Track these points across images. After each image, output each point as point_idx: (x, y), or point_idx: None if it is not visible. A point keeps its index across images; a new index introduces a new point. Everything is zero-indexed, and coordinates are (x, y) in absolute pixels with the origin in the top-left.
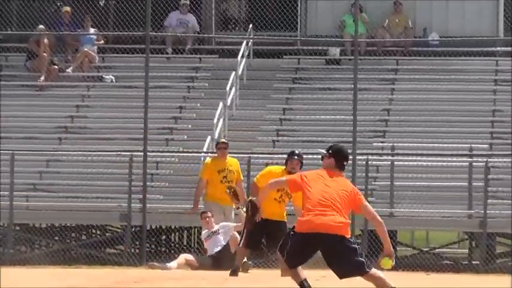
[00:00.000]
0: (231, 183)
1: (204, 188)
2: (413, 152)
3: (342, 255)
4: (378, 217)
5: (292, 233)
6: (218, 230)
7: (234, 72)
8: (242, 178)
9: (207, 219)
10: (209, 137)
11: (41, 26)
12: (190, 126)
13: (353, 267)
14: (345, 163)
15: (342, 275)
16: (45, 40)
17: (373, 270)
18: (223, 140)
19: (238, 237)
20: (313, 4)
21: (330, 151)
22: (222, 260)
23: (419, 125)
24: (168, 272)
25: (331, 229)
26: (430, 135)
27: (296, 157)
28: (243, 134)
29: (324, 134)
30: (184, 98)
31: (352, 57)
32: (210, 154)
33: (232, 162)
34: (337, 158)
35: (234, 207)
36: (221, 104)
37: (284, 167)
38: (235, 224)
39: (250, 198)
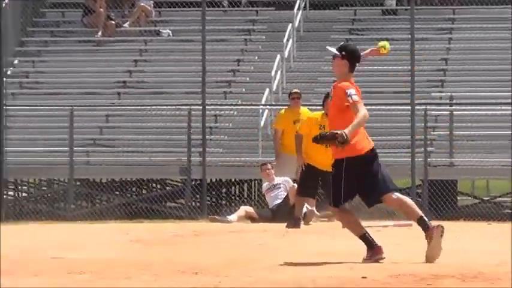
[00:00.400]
0: None
1: (280, 138)
2: (472, 101)
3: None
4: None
5: (345, 162)
6: (280, 183)
7: (290, 25)
8: None
9: (267, 171)
10: (267, 90)
11: None
12: (248, 79)
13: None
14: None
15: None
16: None
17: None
18: (296, 90)
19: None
20: None
21: (344, 52)
22: (283, 213)
23: (478, 74)
24: (228, 224)
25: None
26: (488, 84)
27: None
28: (301, 86)
29: (381, 85)
30: (241, 51)
31: (409, 7)
32: (268, 107)
33: (304, 112)
34: (352, 60)
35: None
36: (278, 57)
37: (322, 112)
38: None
39: (340, 131)
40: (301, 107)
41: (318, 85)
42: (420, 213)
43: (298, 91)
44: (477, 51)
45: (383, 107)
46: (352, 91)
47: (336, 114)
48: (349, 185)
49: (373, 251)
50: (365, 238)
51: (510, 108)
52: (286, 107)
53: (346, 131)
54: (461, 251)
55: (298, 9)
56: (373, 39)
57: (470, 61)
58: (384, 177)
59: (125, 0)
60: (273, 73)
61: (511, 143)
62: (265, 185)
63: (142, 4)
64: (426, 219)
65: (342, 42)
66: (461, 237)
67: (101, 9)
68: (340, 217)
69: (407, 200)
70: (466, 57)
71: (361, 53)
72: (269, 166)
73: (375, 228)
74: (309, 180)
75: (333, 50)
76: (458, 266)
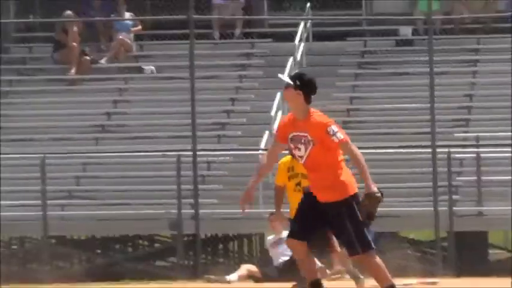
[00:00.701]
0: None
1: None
2: (501, 143)
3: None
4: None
5: (355, 202)
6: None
7: (291, 58)
8: None
9: (276, 223)
10: (267, 132)
11: (69, 12)
12: (244, 120)
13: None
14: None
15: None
16: (74, 28)
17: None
18: None
19: None
20: None
21: (298, 82)
22: (290, 271)
23: (506, 112)
24: (227, 285)
25: None
26: None
27: None
28: None
29: (397, 125)
30: (236, 89)
31: (427, 36)
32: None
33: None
34: (307, 91)
35: None
36: (279, 95)
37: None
38: None
39: (369, 191)
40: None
41: None
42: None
43: None
44: (505, 85)
45: (401, 150)
46: (334, 128)
47: (319, 156)
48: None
49: None
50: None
51: None
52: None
53: (371, 184)
54: None
55: (300, 40)
56: (386, 73)
57: (497, 97)
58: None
59: (101, 33)
60: (272, 113)
61: None
62: (270, 238)
63: (121, 37)
64: None
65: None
66: None
67: (74, 44)
68: (373, 260)
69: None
70: (492, 93)
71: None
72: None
73: (398, 286)
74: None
75: (286, 78)
76: None
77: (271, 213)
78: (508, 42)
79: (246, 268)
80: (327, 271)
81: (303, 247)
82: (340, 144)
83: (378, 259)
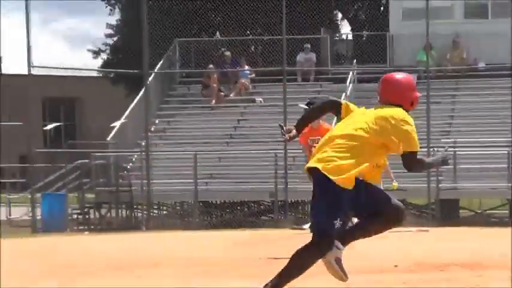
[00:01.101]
0: None
1: None
2: (473, 145)
3: None
4: None
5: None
6: None
7: (344, 94)
8: None
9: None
10: None
11: (211, 66)
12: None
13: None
14: None
15: None
16: (214, 75)
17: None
18: None
19: None
20: (398, 43)
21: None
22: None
23: (476, 125)
24: (304, 231)
25: None
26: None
27: None
28: None
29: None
30: None
31: (425, 81)
32: None
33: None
34: None
35: None
36: (335, 119)
37: None
38: None
39: None
40: None
41: None
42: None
43: None
44: (477, 108)
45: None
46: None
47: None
48: None
49: None
50: None
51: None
52: None
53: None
54: (464, 247)
55: (350, 83)
56: None
57: (473, 113)
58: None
59: (231, 78)
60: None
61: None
62: None
63: (242, 81)
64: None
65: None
66: (463, 238)
67: (214, 85)
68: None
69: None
70: (468, 114)
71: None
72: None
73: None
74: None
75: (303, 105)
76: (465, 257)
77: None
78: (478, 83)
79: None
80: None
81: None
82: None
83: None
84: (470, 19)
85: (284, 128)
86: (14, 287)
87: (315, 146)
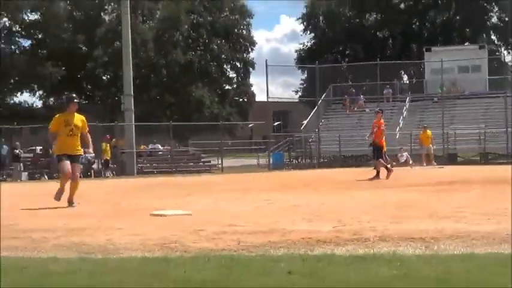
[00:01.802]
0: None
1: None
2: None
3: None
4: None
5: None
6: None
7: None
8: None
9: None
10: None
11: (346, 96)
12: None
13: None
14: None
15: None
16: (347, 100)
17: None
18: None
19: None
20: (429, 84)
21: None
22: None
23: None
24: None
25: None
26: None
27: None
28: None
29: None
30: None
31: (441, 100)
32: None
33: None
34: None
35: None
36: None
37: None
38: None
39: None
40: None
41: None
42: None
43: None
44: (469, 122)
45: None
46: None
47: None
48: None
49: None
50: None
51: None
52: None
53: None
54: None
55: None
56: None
57: (465, 121)
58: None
59: (354, 100)
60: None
61: None
62: None
63: (360, 102)
64: None
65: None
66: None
67: (347, 103)
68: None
69: None
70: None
71: None
72: None
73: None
74: None
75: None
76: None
77: None
78: (464, 101)
79: None
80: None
81: None
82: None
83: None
84: (461, 73)
85: None
86: None
87: None
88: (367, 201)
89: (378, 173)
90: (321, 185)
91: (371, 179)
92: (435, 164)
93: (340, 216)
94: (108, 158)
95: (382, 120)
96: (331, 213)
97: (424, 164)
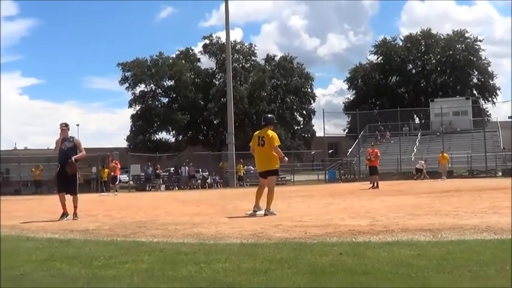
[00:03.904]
0: None
1: None
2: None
3: None
4: None
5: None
6: None
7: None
8: None
9: None
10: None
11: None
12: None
13: None
14: None
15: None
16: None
17: None
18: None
19: None
20: (433, 124)
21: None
22: None
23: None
24: None
25: None
26: None
27: None
28: None
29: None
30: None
31: (442, 133)
32: None
33: None
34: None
35: None
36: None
37: None
38: None
39: None
40: None
41: None
42: None
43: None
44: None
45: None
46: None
47: None
48: None
49: None
50: None
51: None
52: None
53: None
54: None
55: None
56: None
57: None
58: None
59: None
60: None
61: None
62: None
63: (387, 136)
64: None
65: None
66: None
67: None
68: None
69: None
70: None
71: None
72: None
73: None
74: None
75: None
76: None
77: None
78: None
79: None
80: None
81: None
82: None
83: None
84: (454, 116)
85: None
86: None
87: None
88: (392, 203)
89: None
90: (360, 193)
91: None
92: (445, 178)
93: (374, 214)
94: (241, 175)
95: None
96: (368, 212)
97: (444, 177)
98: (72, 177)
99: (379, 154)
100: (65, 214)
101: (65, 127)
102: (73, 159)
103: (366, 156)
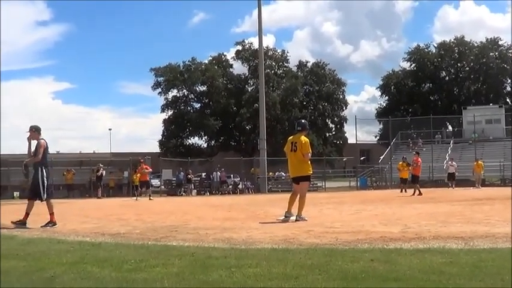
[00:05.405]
0: None
1: None
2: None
3: None
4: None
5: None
6: None
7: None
8: None
9: None
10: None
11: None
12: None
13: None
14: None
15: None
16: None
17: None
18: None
19: None
20: (466, 132)
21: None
22: None
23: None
24: None
25: None
26: None
27: None
28: None
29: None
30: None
31: (474, 142)
32: None
33: None
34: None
35: None
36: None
37: None
38: None
39: None
40: None
41: None
42: None
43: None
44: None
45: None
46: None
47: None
48: None
49: None
50: None
51: None
52: None
53: None
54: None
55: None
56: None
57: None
58: None
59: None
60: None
61: None
62: None
63: (419, 144)
64: None
65: None
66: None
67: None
68: None
69: None
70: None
71: None
72: None
73: None
74: None
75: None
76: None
77: None
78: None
79: None
80: None
81: None
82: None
83: None
84: (487, 124)
85: None
86: None
87: None
88: (424, 211)
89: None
90: (392, 200)
91: (418, 195)
92: (479, 186)
93: (405, 221)
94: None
95: (419, 159)
96: (400, 219)
97: (479, 186)
98: (33, 181)
99: (420, 163)
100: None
101: (33, 131)
102: (24, 162)
103: (412, 163)
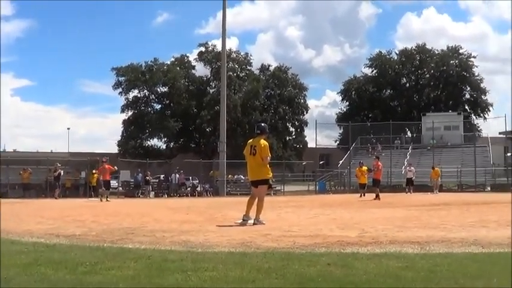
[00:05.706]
0: None
1: None
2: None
3: None
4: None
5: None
6: None
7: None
8: None
9: None
10: None
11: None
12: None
13: None
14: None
15: None
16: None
17: None
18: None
19: None
20: (424, 139)
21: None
22: None
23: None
24: None
25: None
26: None
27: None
28: None
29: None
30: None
31: (432, 148)
32: None
33: None
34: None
35: None
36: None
37: None
38: None
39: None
40: None
41: None
42: None
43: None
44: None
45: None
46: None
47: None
48: None
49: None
50: None
51: None
52: None
53: None
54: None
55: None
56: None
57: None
58: None
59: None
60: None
61: None
62: None
63: (379, 153)
64: None
65: None
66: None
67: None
68: None
69: None
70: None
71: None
72: None
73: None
74: None
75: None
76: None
77: None
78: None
79: None
80: None
81: None
82: None
83: None
84: (445, 131)
85: None
86: None
87: None
88: (381, 215)
89: (377, 195)
90: (350, 204)
91: (375, 199)
92: (437, 192)
93: (363, 226)
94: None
95: (379, 163)
96: (357, 223)
97: (437, 192)
98: None
99: (381, 167)
100: None
101: None
102: None
103: (372, 168)
